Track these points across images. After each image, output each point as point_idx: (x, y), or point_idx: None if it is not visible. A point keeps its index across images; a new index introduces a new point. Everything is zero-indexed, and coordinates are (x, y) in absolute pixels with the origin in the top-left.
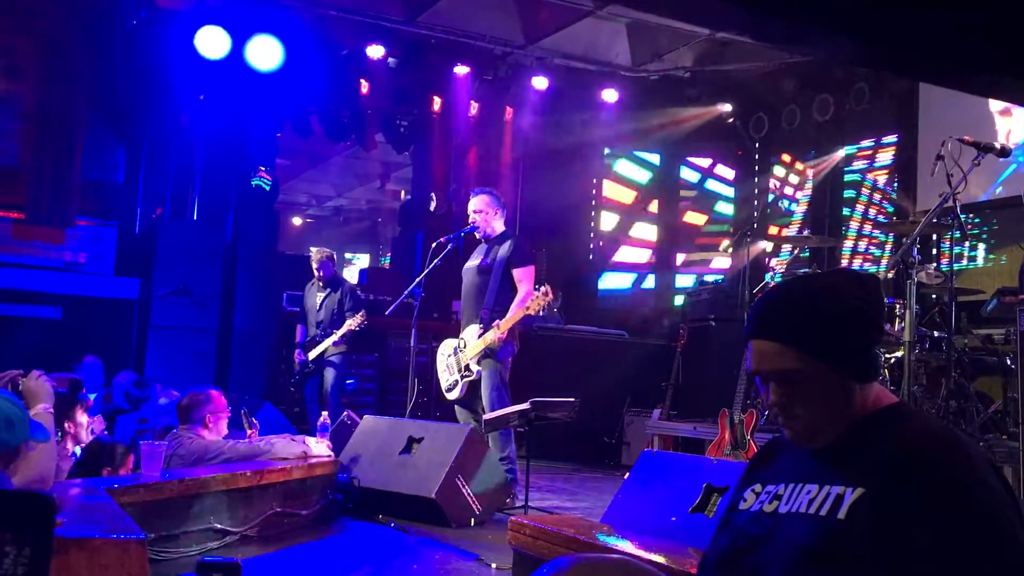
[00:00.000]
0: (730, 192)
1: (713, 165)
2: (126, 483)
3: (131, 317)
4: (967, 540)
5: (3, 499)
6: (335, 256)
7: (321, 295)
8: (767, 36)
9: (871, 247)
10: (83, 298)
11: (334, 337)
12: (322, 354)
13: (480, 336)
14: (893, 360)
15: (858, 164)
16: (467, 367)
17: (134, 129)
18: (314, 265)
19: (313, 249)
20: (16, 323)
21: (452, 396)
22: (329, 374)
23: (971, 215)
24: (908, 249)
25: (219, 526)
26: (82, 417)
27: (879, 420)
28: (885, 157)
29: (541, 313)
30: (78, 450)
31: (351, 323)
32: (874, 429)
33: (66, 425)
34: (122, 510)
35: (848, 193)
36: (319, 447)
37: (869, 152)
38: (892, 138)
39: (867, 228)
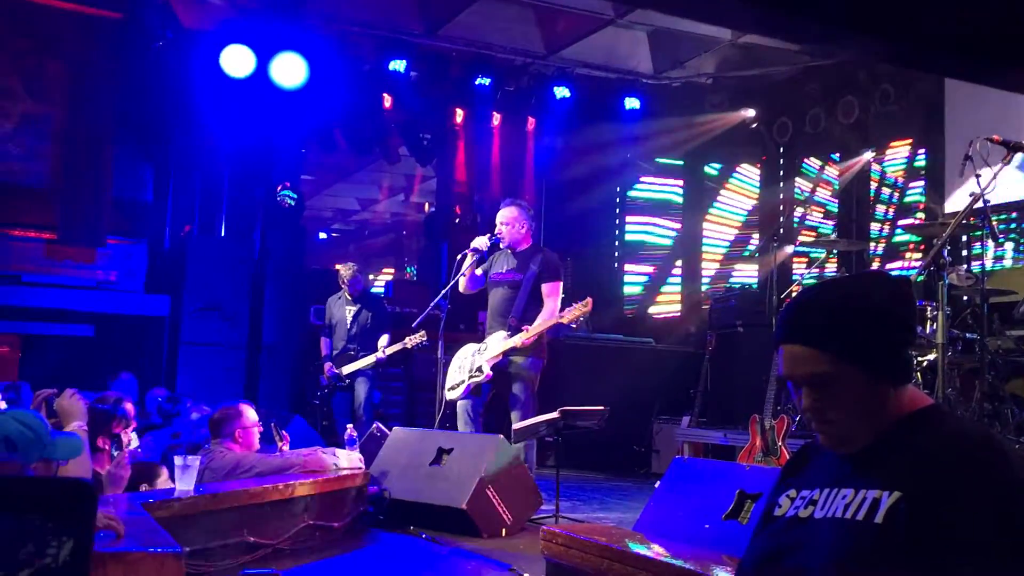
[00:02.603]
0: (755, 198)
1: (737, 171)
2: (161, 497)
3: (162, 333)
4: (1006, 542)
5: (44, 487)
6: (363, 271)
7: (352, 309)
8: (797, 36)
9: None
10: (115, 316)
11: (378, 355)
12: (356, 368)
13: (506, 339)
14: (926, 363)
15: (884, 166)
16: (479, 368)
17: (162, 147)
18: (345, 280)
19: (340, 266)
20: (50, 341)
21: (452, 396)
22: (361, 388)
23: (1000, 215)
24: (938, 251)
25: (252, 539)
26: (122, 434)
27: (914, 423)
28: (911, 159)
29: (572, 326)
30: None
31: (409, 341)
32: (909, 432)
33: (99, 442)
34: (158, 524)
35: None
36: (349, 459)
37: (895, 154)
38: (918, 139)
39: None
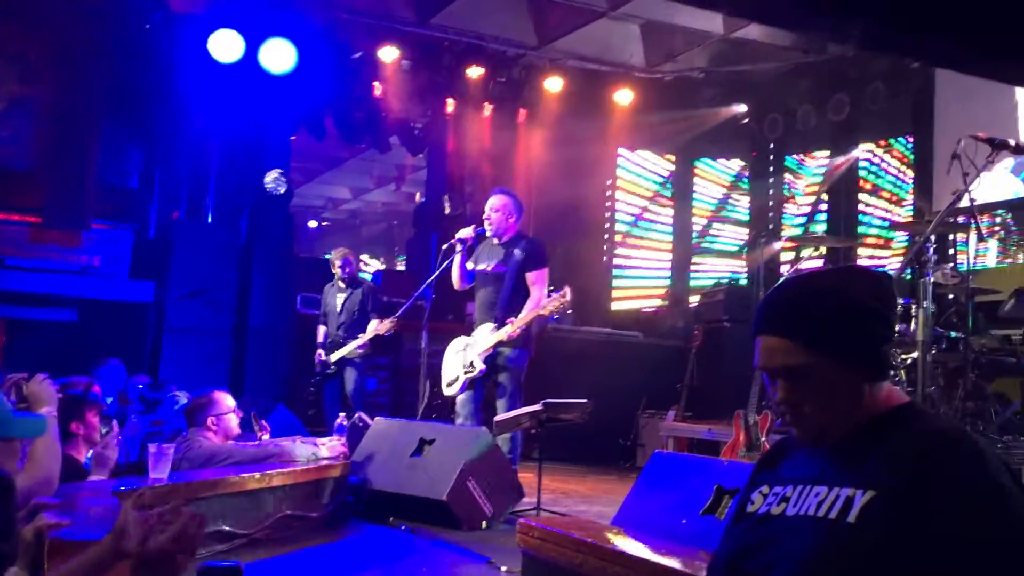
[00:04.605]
0: (745, 193)
1: (727, 166)
2: (133, 486)
3: (146, 319)
4: (981, 541)
5: None
6: (354, 255)
7: (342, 296)
8: (782, 21)
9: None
10: (98, 301)
11: (361, 340)
12: (344, 356)
13: (493, 332)
14: (909, 360)
15: (873, 164)
16: (471, 363)
17: (149, 132)
18: (336, 263)
19: (333, 251)
20: (33, 326)
21: (450, 392)
22: (350, 376)
23: (986, 214)
24: (921, 248)
25: (228, 528)
26: (94, 419)
27: (890, 420)
28: (900, 157)
29: (554, 317)
30: (90, 453)
31: (380, 328)
32: (884, 429)
33: (72, 427)
34: None
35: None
36: (331, 449)
37: (884, 152)
38: (908, 138)
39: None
